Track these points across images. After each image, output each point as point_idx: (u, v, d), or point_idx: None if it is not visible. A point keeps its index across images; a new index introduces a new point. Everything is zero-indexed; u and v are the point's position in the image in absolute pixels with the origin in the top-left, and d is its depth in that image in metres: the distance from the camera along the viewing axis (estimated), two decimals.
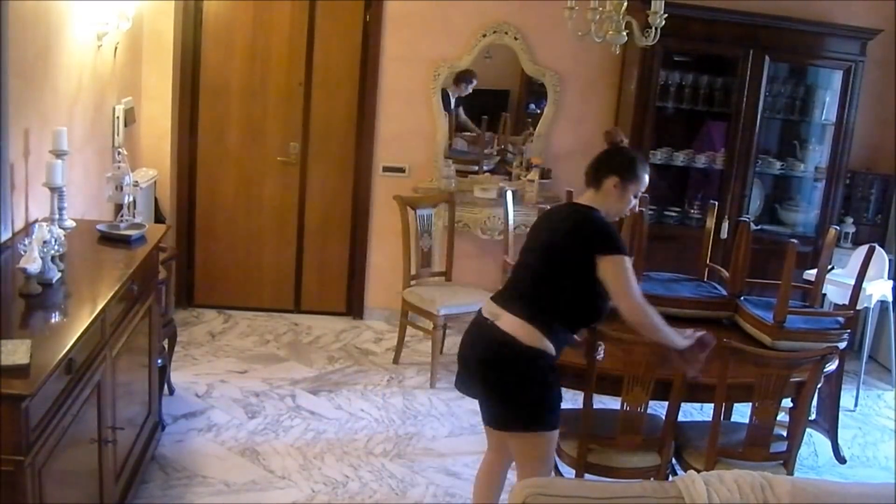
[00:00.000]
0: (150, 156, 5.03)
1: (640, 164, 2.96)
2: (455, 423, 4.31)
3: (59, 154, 3.20)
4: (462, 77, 5.52)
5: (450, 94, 5.54)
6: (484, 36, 5.39)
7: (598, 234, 2.81)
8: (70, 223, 3.29)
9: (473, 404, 4.51)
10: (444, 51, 5.39)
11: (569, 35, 3.90)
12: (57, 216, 3.21)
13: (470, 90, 5.58)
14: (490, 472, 3.12)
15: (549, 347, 2.76)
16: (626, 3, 3.69)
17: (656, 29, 3.73)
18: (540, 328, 2.74)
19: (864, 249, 3.92)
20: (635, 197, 2.95)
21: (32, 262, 2.55)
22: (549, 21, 5.23)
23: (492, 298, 2.91)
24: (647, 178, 2.96)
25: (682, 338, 2.87)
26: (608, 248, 2.76)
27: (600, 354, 3.03)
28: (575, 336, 2.94)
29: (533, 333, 2.74)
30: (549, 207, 3.28)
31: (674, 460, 3.34)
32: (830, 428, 4.25)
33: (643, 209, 3.80)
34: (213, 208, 5.49)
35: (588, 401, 3.10)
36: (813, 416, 4.14)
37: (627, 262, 2.78)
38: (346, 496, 3.56)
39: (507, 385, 2.79)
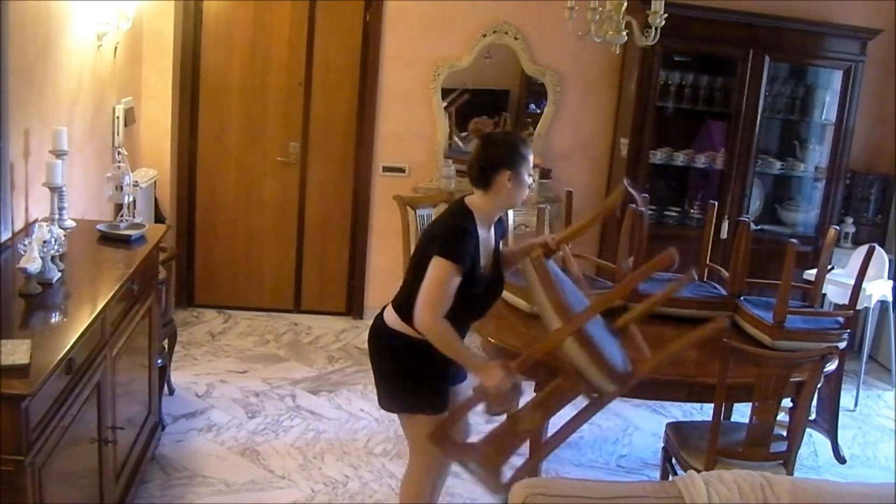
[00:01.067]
0: (150, 156, 5.03)
1: (522, 144, 2.77)
2: None
3: (59, 154, 3.20)
4: None
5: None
6: (484, 36, 5.39)
7: (438, 235, 2.69)
8: (70, 223, 3.29)
9: None
10: (444, 51, 5.39)
11: (569, 35, 3.90)
12: (57, 216, 3.21)
13: None
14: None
15: (410, 330, 2.71)
16: (626, 3, 3.69)
17: (656, 29, 3.73)
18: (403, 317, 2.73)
19: (864, 249, 3.92)
20: (530, 175, 2.76)
21: (32, 262, 2.56)
22: (549, 21, 5.23)
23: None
24: (530, 154, 2.76)
25: (480, 362, 2.74)
26: (437, 248, 2.63)
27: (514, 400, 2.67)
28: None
29: (403, 324, 2.74)
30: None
31: (673, 460, 3.34)
32: (830, 428, 4.25)
33: (643, 209, 3.80)
34: (213, 208, 5.49)
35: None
36: (813, 416, 4.15)
37: (449, 267, 2.59)
38: (346, 496, 3.56)
39: (381, 368, 2.86)
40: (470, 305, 2.76)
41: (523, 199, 2.83)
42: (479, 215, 2.73)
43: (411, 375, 2.80)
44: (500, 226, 2.91)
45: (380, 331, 2.81)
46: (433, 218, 2.97)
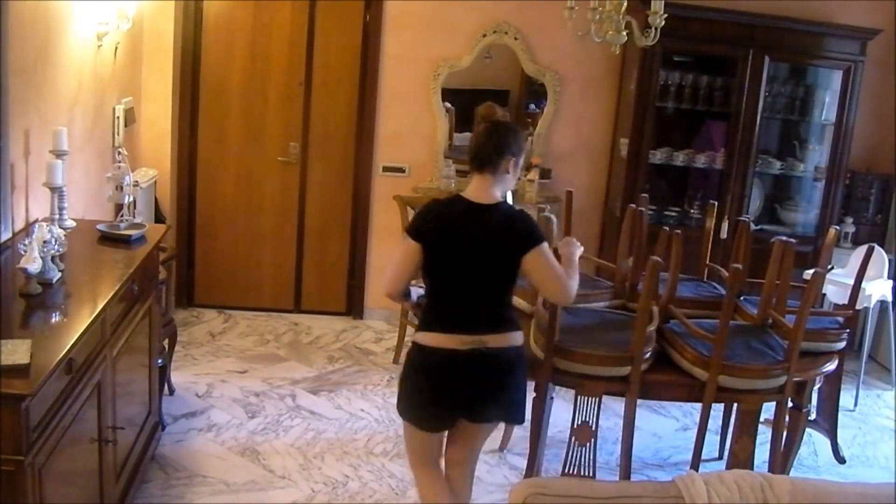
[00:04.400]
0: (150, 156, 5.03)
1: (522, 134, 2.92)
2: None
3: (59, 154, 3.20)
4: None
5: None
6: (484, 36, 5.39)
7: (530, 228, 2.77)
8: (70, 223, 3.29)
9: None
10: (444, 51, 5.39)
11: (569, 35, 3.90)
12: (57, 216, 3.21)
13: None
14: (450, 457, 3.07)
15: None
16: (626, 3, 3.69)
17: (656, 29, 3.73)
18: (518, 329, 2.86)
19: (863, 249, 3.92)
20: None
21: (32, 262, 2.56)
22: (549, 21, 5.24)
23: (474, 326, 2.76)
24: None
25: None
26: (537, 239, 2.73)
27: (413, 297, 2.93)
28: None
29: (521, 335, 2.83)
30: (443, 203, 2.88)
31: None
32: (830, 428, 4.25)
33: (643, 209, 3.80)
34: (213, 208, 5.49)
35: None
36: (813, 416, 4.14)
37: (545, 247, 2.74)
38: (346, 496, 3.56)
39: (521, 385, 2.87)
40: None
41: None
42: (479, 200, 2.76)
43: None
44: None
45: (520, 353, 2.81)
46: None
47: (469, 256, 2.72)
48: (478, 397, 2.76)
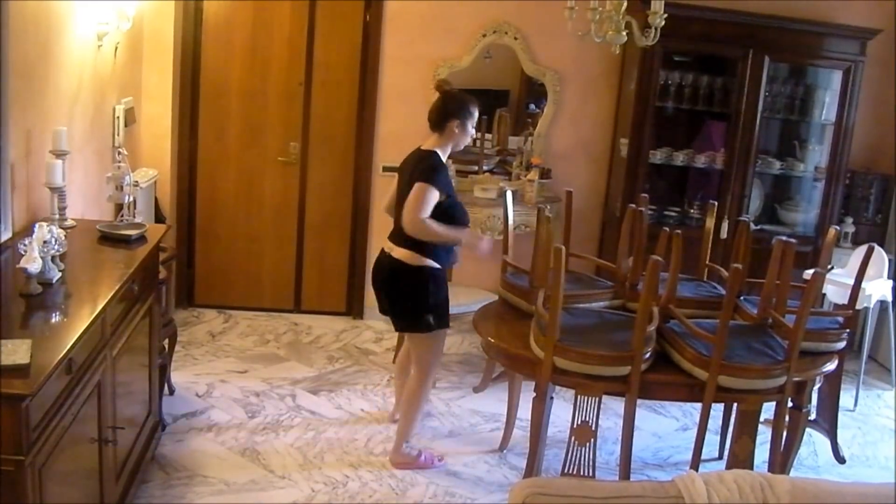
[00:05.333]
0: (150, 156, 5.03)
1: (472, 103, 3.65)
2: (455, 423, 4.31)
3: (59, 154, 3.20)
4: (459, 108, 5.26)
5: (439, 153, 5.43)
6: (484, 36, 5.39)
7: (422, 169, 3.53)
8: (70, 223, 3.30)
9: (473, 404, 4.54)
10: (444, 51, 5.39)
11: (569, 35, 3.90)
12: (57, 216, 3.21)
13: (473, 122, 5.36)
14: (404, 360, 4.07)
15: (430, 262, 3.56)
16: (626, 3, 3.69)
17: (656, 29, 3.73)
18: (418, 251, 3.54)
19: (863, 249, 3.92)
20: (473, 128, 3.67)
21: (33, 262, 2.56)
22: (549, 21, 5.24)
23: (388, 237, 3.69)
24: (477, 111, 3.66)
25: (462, 233, 3.65)
26: (420, 178, 3.47)
27: (485, 246, 3.91)
28: (455, 249, 3.74)
29: (414, 256, 3.55)
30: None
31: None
32: (830, 428, 4.25)
33: (643, 209, 3.80)
34: (213, 208, 5.50)
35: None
36: (813, 416, 4.14)
37: (428, 190, 3.45)
38: (346, 496, 3.56)
39: (399, 297, 3.65)
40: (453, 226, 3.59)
41: (466, 145, 3.76)
42: (439, 153, 3.62)
43: (426, 299, 3.59)
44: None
45: (398, 269, 3.59)
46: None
47: (399, 185, 3.69)
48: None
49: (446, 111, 3.60)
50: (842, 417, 4.40)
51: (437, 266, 3.59)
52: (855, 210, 5.64)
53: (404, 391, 3.84)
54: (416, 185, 3.45)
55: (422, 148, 3.66)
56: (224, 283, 5.59)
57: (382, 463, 3.85)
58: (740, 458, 3.36)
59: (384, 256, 3.66)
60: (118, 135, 4.33)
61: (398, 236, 3.59)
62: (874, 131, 5.69)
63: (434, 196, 3.46)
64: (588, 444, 3.26)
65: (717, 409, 3.99)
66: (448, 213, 3.55)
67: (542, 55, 5.46)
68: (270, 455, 3.83)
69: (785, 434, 3.48)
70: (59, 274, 2.74)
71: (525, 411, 3.76)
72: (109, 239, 3.31)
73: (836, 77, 5.32)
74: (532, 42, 5.44)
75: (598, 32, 3.74)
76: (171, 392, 4.27)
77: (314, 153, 5.48)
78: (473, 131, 3.69)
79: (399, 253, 3.57)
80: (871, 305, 4.90)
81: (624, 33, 3.73)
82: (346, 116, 5.47)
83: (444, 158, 3.63)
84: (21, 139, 3.11)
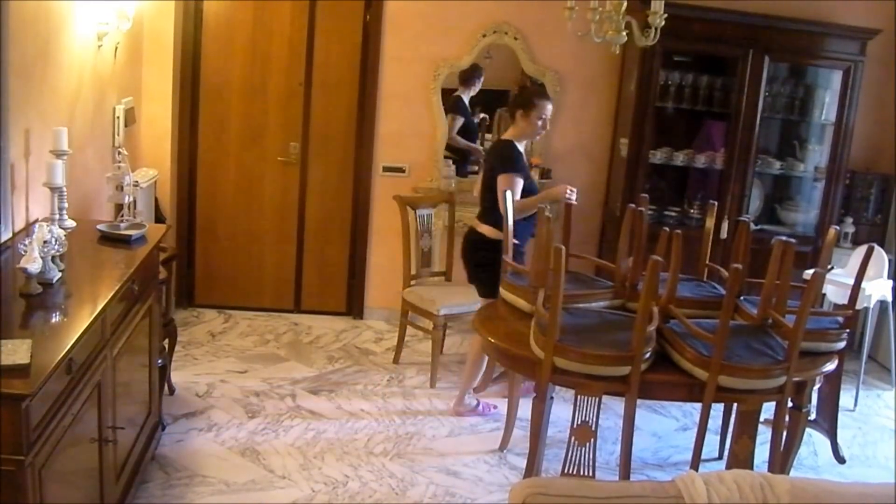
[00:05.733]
0: (150, 156, 5.03)
1: (537, 96, 4.21)
2: (455, 423, 4.31)
3: (59, 154, 3.20)
4: (470, 75, 5.49)
5: (462, 97, 5.52)
6: (484, 36, 5.39)
7: (501, 160, 4.13)
8: (70, 223, 3.30)
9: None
10: (444, 51, 5.39)
11: (569, 35, 3.90)
12: (57, 216, 3.21)
13: (479, 86, 5.54)
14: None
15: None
16: (626, 3, 3.69)
17: (656, 29, 3.73)
18: (497, 227, 4.02)
19: (863, 249, 3.92)
20: (541, 119, 4.14)
21: (33, 262, 2.56)
22: (549, 21, 5.24)
23: (475, 216, 4.31)
24: (545, 103, 4.15)
25: (546, 195, 4.22)
26: (502, 169, 4.07)
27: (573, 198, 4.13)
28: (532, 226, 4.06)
29: (493, 231, 4.12)
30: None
31: None
32: (830, 428, 4.25)
33: (643, 209, 3.80)
34: (213, 208, 5.50)
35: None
36: (813, 416, 4.14)
37: (512, 178, 4.04)
38: (346, 496, 3.56)
39: (479, 266, 4.23)
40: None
41: (535, 136, 4.36)
42: (516, 141, 4.17)
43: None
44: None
45: (479, 241, 4.21)
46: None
47: (484, 172, 4.35)
48: None
49: (514, 103, 4.28)
50: (842, 417, 4.40)
51: (515, 242, 3.98)
52: (855, 210, 5.64)
53: (470, 348, 4.39)
54: (500, 178, 4.05)
55: (501, 138, 4.28)
56: (224, 283, 5.59)
57: (382, 463, 3.85)
58: (740, 458, 3.36)
59: (470, 231, 4.32)
60: (118, 135, 4.33)
61: (482, 214, 4.25)
62: (874, 131, 5.69)
63: (518, 182, 4.06)
64: (588, 444, 3.26)
65: (717, 409, 3.99)
66: (527, 189, 4.14)
67: (542, 55, 5.46)
68: (270, 455, 3.83)
69: (785, 434, 3.48)
70: (59, 274, 2.74)
71: (525, 411, 3.76)
72: (109, 239, 3.31)
73: (836, 77, 5.32)
74: (532, 42, 5.44)
75: (598, 32, 3.74)
76: (171, 392, 4.27)
77: (314, 153, 5.48)
78: (541, 122, 4.14)
79: (482, 228, 4.21)
80: (871, 305, 4.90)
81: (624, 33, 3.73)
82: (346, 116, 5.47)
83: (520, 146, 4.18)
84: (21, 139, 3.11)
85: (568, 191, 4.15)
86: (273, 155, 5.47)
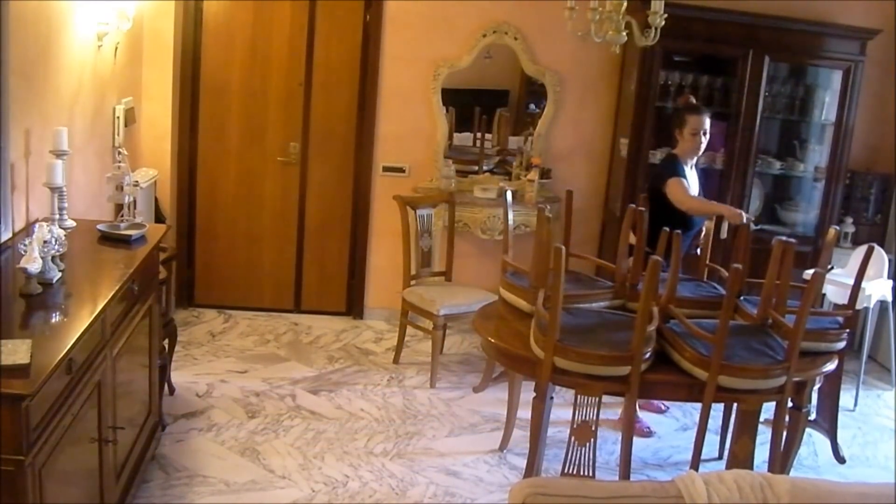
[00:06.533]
0: (150, 156, 5.03)
1: (687, 111, 4.31)
2: (455, 423, 4.31)
3: (59, 154, 3.20)
4: None
5: None
6: (484, 36, 5.39)
7: (663, 167, 4.35)
8: (70, 223, 3.30)
9: (473, 403, 4.54)
10: (444, 51, 5.39)
11: (569, 35, 3.89)
12: (57, 216, 3.21)
13: None
14: None
15: None
16: (626, 3, 3.69)
17: (656, 29, 3.73)
18: None
19: (863, 249, 3.92)
20: (695, 134, 4.22)
21: (33, 262, 2.56)
22: (549, 21, 5.24)
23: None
24: (697, 117, 4.22)
25: (720, 208, 4.15)
26: (668, 175, 4.20)
27: (723, 233, 4.11)
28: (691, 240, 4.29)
29: None
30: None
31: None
32: (830, 428, 4.25)
33: (643, 209, 3.81)
34: (213, 208, 5.50)
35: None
36: (813, 416, 4.14)
37: (677, 181, 4.16)
38: (346, 496, 3.56)
39: None
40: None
41: (696, 151, 4.33)
42: (680, 157, 4.32)
43: None
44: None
45: None
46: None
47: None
48: None
49: (671, 122, 4.43)
50: (842, 417, 4.40)
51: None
52: (855, 210, 5.64)
53: None
54: (668, 183, 4.17)
55: (670, 152, 4.42)
56: (224, 283, 5.59)
57: (382, 463, 3.85)
58: (740, 458, 3.36)
59: None
60: (118, 135, 4.33)
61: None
62: (874, 131, 5.69)
63: (684, 183, 4.17)
64: (588, 444, 3.26)
65: (717, 409, 3.99)
66: None
67: (542, 55, 5.46)
68: (270, 455, 3.83)
69: (785, 434, 3.48)
70: (59, 274, 2.74)
71: (525, 411, 3.76)
72: (109, 239, 3.31)
73: (836, 77, 5.32)
74: (532, 42, 5.44)
75: (598, 32, 3.74)
76: (171, 392, 4.27)
77: (314, 153, 5.48)
78: (695, 136, 4.23)
79: None
80: (871, 305, 4.90)
81: (624, 33, 3.72)
82: (346, 116, 5.47)
83: (683, 160, 4.29)
84: (21, 139, 3.11)
85: (744, 217, 3.95)
86: (273, 155, 5.46)
